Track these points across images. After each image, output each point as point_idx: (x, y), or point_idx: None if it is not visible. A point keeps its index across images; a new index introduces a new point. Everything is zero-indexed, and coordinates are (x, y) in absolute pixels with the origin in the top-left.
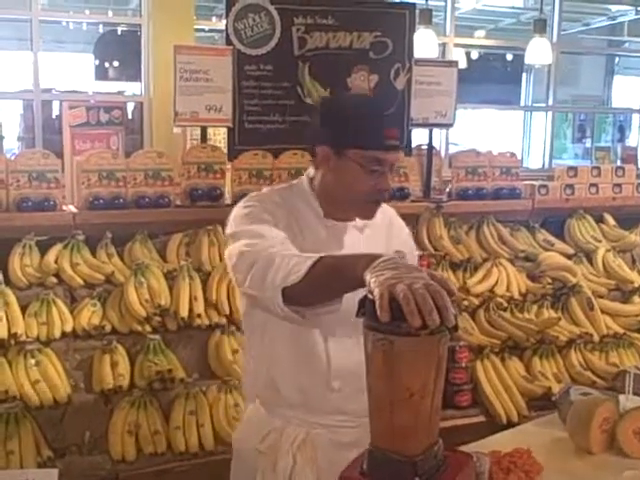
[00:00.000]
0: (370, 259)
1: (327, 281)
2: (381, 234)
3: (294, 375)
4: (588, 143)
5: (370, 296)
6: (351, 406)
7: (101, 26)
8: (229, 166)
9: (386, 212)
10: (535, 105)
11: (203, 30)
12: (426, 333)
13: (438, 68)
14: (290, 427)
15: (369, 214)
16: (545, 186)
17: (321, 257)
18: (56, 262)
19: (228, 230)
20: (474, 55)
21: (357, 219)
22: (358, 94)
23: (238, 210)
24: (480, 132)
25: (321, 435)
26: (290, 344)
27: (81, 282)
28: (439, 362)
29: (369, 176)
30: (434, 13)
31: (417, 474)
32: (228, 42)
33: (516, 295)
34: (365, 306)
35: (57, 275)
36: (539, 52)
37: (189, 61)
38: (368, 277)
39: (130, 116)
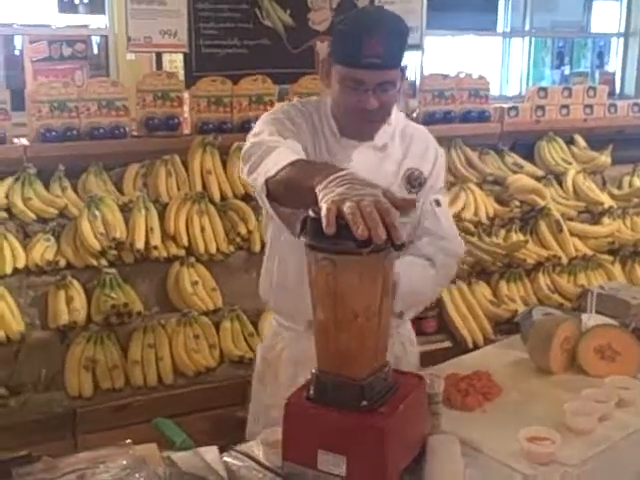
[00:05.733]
0: (327, 173)
1: (291, 184)
2: (399, 154)
3: (299, 281)
4: (567, 70)
5: (312, 214)
6: None
7: None
8: (186, 94)
9: (409, 131)
10: (512, 31)
11: None
12: (369, 251)
13: None
14: (294, 340)
15: (363, 132)
16: (515, 108)
17: (301, 159)
18: (7, 197)
19: (251, 132)
20: None
21: (376, 138)
22: (365, 9)
23: (265, 116)
24: (458, 60)
25: None
26: (297, 252)
27: (33, 217)
28: (384, 282)
29: (350, 93)
30: None
31: (364, 397)
32: None
33: (484, 219)
34: (307, 225)
35: (8, 210)
36: None
37: None
38: (319, 192)
39: (96, 50)
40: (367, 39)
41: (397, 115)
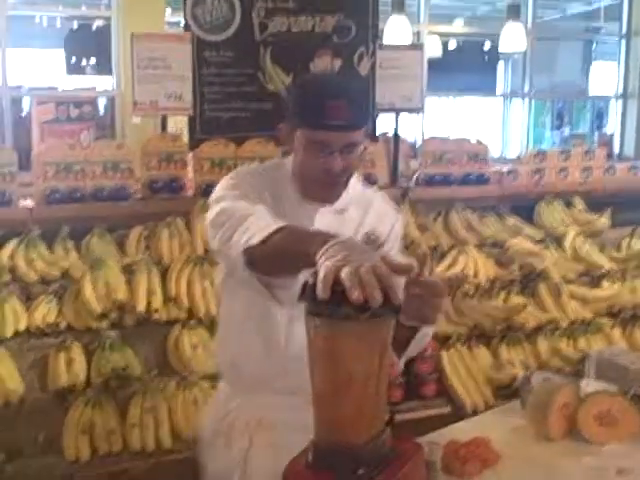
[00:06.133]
0: (324, 239)
1: (283, 251)
2: (356, 218)
3: (253, 355)
4: (567, 131)
5: (311, 280)
6: (307, 390)
7: (75, 22)
8: (190, 156)
9: (367, 196)
10: (512, 93)
11: (177, 24)
12: (366, 317)
13: (403, 52)
14: (247, 409)
15: (326, 196)
16: (513, 171)
17: (288, 226)
18: (11, 258)
19: (212, 196)
20: (452, 45)
21: (335, 202)
22: (324, 73)
23: (224, 180)
24: (460, 122)
25: (277, 417)
26: (254, 323)
27: (36, 278)
28: (382, 347)
29: (315, 156)
30: (408, 2)
31: (362, 465)
32: (187, 28)
33: (483, 282)
34: (306, 290)
35: (12, 272)
36: (513, 38)
37: (147, 48)
38: (318, 258)
39: (102, 111)
40: (332, 102)
41: (354, 180)
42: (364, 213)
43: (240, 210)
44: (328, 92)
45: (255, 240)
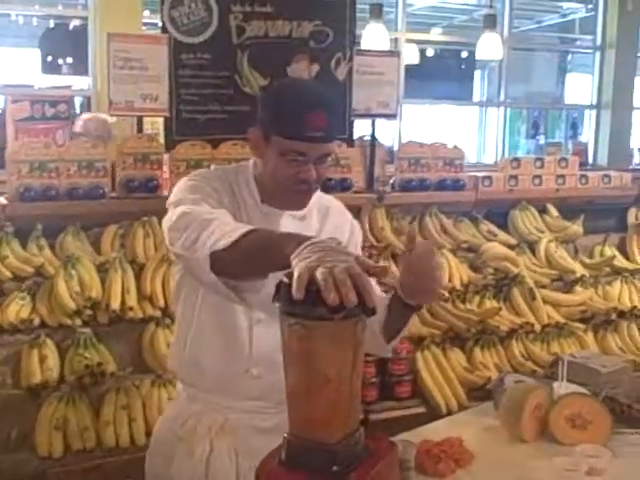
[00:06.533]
0: (299, 241)
1: (255, 253)
2: (316, 225)
3: (215, 357)
4: (542, 140)
5: (286, 280)
6: (271, 393)
7: (52, 21)
8: (166, 156)
9: (325, 203)
10: (488, 101)
11: (155, 25)
12: (340, 317)
13: (380, 58)
14: (208, 412)
15: (296, 203)
16: (489, 177)
17: (257, 229)
18: None
19: (170, 199)
20: (429, 53)
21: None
22: (299, 79)
23: (182, 182)
24: (436, 129)
25: (240, 420)
26: (215, 324)
27: (9, 275)
28: (356, 347)
29: (290, 164)
30: (386, 9)
31: (335, 463)
32: (164, 30)
33: (458, 286)
34: (281, 290)
35: None
36: (489, 47)
37: (123, 49)
38: (293, 259)
39: (78, 110)
40: (311, 113)
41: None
42: (323, 219)
43: (202, 214)
44: (307, 103)
45: (222, 244)
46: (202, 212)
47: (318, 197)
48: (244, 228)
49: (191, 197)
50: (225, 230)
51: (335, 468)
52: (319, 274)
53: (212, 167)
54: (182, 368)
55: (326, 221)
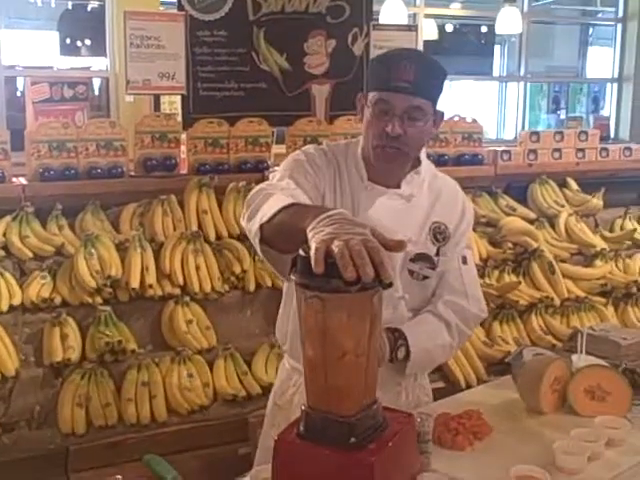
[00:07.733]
0: (316, 213)
1: (282, 229)
2: (425, 206)
3: None
4: (563, 114)
5: (302, 253)
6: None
7: (70, 2)
8: (184, 135)
9: (438, 184)
10: (508, 76)
11: (172, 4)
12: (357, 289)
13: (397, 32)
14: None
15: (380, 159)
16: (508, 152)
17: (294, 203)
18: (4, 235)
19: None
20: (449, 28)
21: (403, 186)
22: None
23: (293, 154)
24: (456, 105)
25: None
26: None
27: (30, 254)
28: (373, 319)
29: (379, 119)
30: None
31: (353, 435)
32: (180, 7)
33: (477, 260)
34: (297, 263)
35: (5, 248)
36: (509, 21)
37: (140, 27)
38: (309, 232)
39: (97, 92)
40: (397, 63)
41: (428, 166)
42: (434, 201)
43: (269, 189)
44: (396, 56)
45: (266, 218)
46: (271, 186)
47: (432, 176)
48: (284, 202)
49: (283, 173)
50: (274, 204)
51: (352, 440)
52: (335, 247)
53: (325, 143)
54: (285, 340)
55: (437, 202)
